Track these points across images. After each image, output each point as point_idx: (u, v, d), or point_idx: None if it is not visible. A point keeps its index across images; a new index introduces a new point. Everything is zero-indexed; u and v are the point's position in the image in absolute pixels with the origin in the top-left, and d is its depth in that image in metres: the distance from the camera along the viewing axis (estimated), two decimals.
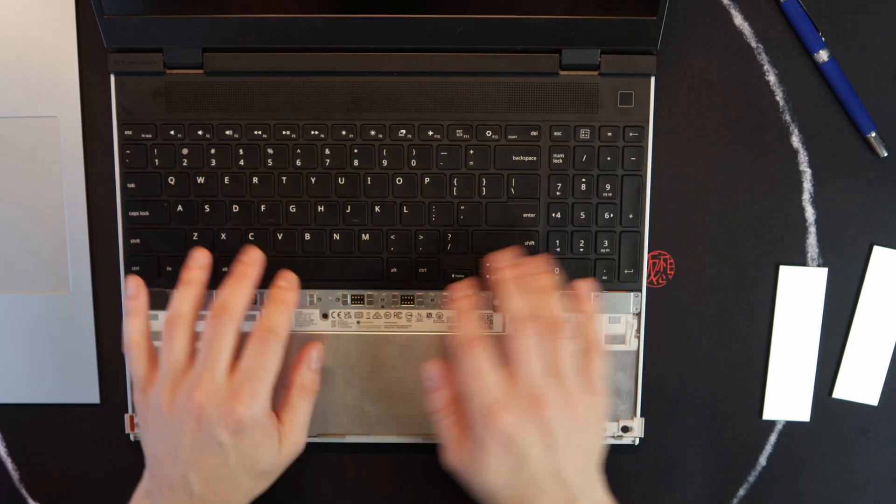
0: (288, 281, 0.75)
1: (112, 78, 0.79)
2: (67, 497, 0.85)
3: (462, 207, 0.80)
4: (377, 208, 0.79)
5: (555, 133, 0.79)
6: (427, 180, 0.79)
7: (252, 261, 0.75)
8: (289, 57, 0.78)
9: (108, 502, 0.86)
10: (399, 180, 0.79)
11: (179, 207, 0.79)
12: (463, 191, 0.80)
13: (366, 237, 0.80)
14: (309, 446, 0.82)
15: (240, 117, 0.79)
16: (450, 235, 0.80)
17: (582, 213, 0.80)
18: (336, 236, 0.79)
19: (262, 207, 0.79)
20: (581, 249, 0.80)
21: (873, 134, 0.81)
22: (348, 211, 0.79)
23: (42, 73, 0.80)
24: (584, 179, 0.80)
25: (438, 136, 0.79)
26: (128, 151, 0.79)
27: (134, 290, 0.76)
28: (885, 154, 0.81)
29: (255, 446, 0.71)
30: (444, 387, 0.73)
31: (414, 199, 0.80)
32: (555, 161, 0.80)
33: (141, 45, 0.77)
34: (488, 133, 0.79)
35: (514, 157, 0.79)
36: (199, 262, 0.76)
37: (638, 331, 0.81)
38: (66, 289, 0.82)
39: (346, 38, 0.77)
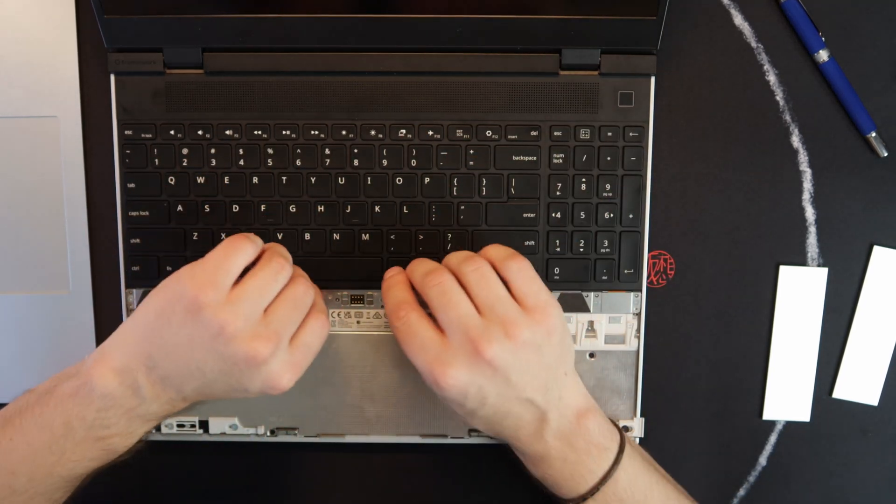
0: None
1: (112, 78, 0.79)
2: (67, 499, 0.85)
3: (462, 207, 0.80)
4: (377, 208, 0.79)
5: (555, 133, 0.79)
6: (427, 180, 0.79)
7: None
8: (289, 57, 0.78)
9: (108, 502, 0.86)
10: (399, 180, 0.79)
11: (179, 207, 0.79)
12: (463, 191, 0.79)
13: (366, 237, 0.80)
14: (308, 446, 0.83)
15: (240, 117, 0.79)
16: (450, 235, 0.80)
17: (582, 213, 0.80)
18: (336, 236, 0.79)
19: (263, 207, 0.79)
20: (581, 249, 0.80)
21: (873, 134, 0.81)
22: (348, 211, 0.79)
23: (42, 73, 0.80)
24: (584, 179, 0.80)
25: (438, 136, 0.79)
26: (128, 151, 0.79)
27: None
28: (885, 154, 0.81)
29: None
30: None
31: (414, 199, 0.80)
32: (555, 161, 0.80)
33: (141, 44, 0.77)
34: (488, 133, 0.79)
35: (514, 157, 0.79)
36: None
37: (638, 331, 0.81)
38: (66, 289, 0.82)
39: (347, 38, 0.77)
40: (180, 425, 0.82)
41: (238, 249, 0.68)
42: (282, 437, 0.82)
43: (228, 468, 0.85)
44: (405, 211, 0.79)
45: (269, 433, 0.82)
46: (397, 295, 0.72)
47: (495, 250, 0.72)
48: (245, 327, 0.66)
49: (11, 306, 0.82)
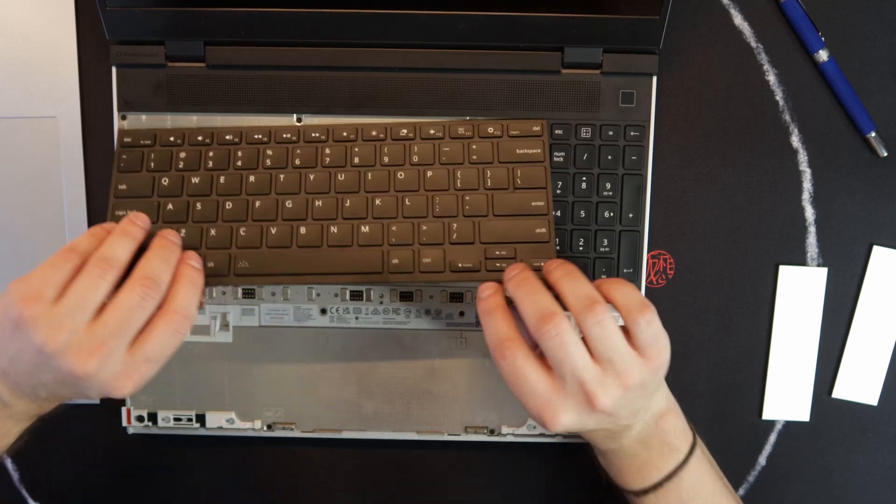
0: (197, 261, 0.73)
1: (114, 70, 0.79)
2: (67, 497, 0.85)
3: (466, 198, 0.79)
4: (377, 201, 0.79)
5: (556, 131, 0.79)
6: (429, 174, 0.79)
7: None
8: (290, 51, 0.78)
9: (108, 502, 0.86)
10: (401, 175, 0.79)
11: (169, 206, 0.78)
12: (464, 187, 0.79)
13: (365, 229, 0.78)
14: (305, 441, 0.83)
15: (240, 111, 0.79)
16: (455, 225, 0.79)
17: (582, 212, 0.80)
18: (334, 229, 0.79)
19: (257, 203, 0.78)
20: (580, 248, 0.80)
21: (873, 134, 0.81)
22: (347, 205, 0.79)
23: (42, 73, 0.81)
24: (584, 178, 0.80)
25: (440, 133, 0.79)
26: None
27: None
28: (885, 154, 0.81)
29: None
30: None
31: (416, 193, 0.79)
32: (555, 159, 0.80)
33: (143, 37, 0.78)
34: (490, 130, 0.79)
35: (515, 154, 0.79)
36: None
37: None
38: None
39: (349, 34, 0.77)
40: (177, 419, 0.82)
41: (65, 259, 0.67)
42: (278, 433, 0.82)
43: (225, 462, 0.84)
44: (407, 203, 0.79)
45: (265, 428, 0.82)
46: (500, 329, 0.68)
47: (623, 296, 0.68)
48: (70, 340, 0.65)
49: None
